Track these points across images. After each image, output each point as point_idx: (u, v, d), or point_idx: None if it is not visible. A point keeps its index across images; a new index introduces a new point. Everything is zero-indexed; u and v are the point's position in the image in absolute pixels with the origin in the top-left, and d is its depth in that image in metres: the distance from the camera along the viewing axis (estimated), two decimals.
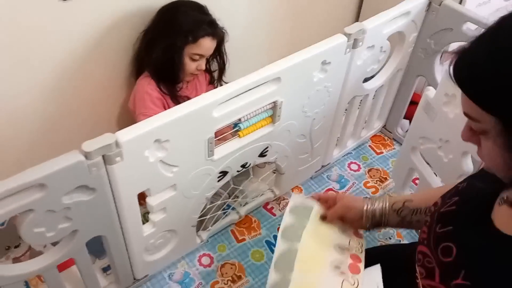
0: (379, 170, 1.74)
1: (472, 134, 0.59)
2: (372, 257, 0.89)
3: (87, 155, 0.89)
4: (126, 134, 0.93)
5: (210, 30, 1.28)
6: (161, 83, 1.32)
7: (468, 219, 0.68)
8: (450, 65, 0.56)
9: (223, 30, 1.34)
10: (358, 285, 0.82)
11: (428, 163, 1.37)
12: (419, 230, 0.79)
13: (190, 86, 1.42)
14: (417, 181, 1.53)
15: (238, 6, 1.55)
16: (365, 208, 0.89)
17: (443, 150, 1.22)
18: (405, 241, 1.52)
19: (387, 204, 0.89)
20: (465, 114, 0.57)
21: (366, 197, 0.91)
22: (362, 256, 0.89)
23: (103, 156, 0.92)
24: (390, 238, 1.52)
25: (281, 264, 0.84)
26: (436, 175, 1.35)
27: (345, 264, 0.85)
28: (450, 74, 0.56)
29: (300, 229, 0.89)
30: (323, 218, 0.93)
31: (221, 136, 1.21)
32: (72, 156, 0.89)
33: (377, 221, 0.90)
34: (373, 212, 0.89)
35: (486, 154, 0.58)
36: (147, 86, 1.31)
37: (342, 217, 0.93)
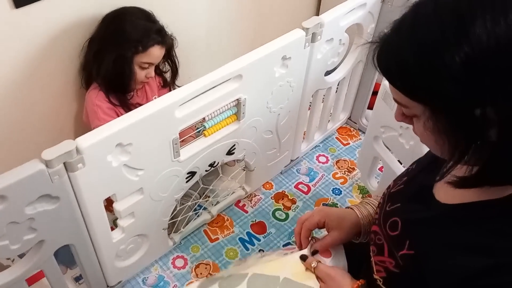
0: (346, 161, 1.77)
1: (405, 116, 0.62)
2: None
3: (47, 164, 0.88)
4: (86, 140, 0.91)
5: (159, 38, 1.27)
6: (110, 94, 1.30)
7: (413, 195, 0.73)
8: (374, 55, 0.58)
9: (172, 37, 1.34)
10: None
11: (391, 151, 1.41)
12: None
13: (140, 93, 1.41)
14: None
15: (197, 5, 1.54)
16: (359, 215, 0.86)
17: (404, 137, 1.26)
18: None
19: (375, 206, 0.86)
20: (395, 100, 0.60)
21: (348, 207, 0.88)
22: None
23: (64, 164, 0.90)
24: None
25: None
26: (401, 163, 1.38)
27: None
28: (375, 65, 0.58)
29: None
30: (304, 258, 0.84)
31: (186, 136, 1.21)
32: (32, 166, 0.87)
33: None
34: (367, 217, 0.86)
35: (420, 134, 0.61)
36: (95, 98, 1.29)
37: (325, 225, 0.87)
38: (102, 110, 1.29)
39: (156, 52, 1.28)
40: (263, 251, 0.96)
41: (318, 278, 0.80)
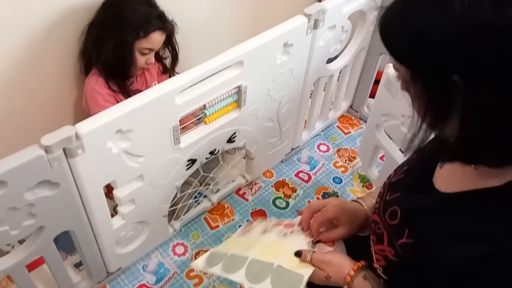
0: (347, 149, 1.77)
1: (403, 83, 0.63)
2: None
3: (47, 149, 0.87)
4: (86, 126, 0.91)
5: (160, 24, 1.26)
6: (110, 80, 1.29)
7: (413, 184, 0.73)
8: (379, 22, 0.60)
9: (172, 23, 1.33)
10: None
11: (392, 140, 1.40)
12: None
13: (140, 79, 1.40)
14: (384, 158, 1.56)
15: None
16: (366, 209, 0.87)
17: (406, 126, 1.25)
18: None
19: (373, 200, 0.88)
20: (393, 66, 0.62)
21: (355, 200, 0.90)
22: None
23: (64, 150, 0.90)
24: None
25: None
26: (403, 152, 1.38)
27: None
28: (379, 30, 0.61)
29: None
30: (298, 254, 0.83)
31: (188, 122, 1.20)
32: (31, 151, 0.87)
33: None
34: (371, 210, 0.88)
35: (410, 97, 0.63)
36: (95, 84, 1.28)
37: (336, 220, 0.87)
38: (102, 96, 1.28)
39: (157, 38, 1.27)
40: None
41: (317, 268, 0.80)
